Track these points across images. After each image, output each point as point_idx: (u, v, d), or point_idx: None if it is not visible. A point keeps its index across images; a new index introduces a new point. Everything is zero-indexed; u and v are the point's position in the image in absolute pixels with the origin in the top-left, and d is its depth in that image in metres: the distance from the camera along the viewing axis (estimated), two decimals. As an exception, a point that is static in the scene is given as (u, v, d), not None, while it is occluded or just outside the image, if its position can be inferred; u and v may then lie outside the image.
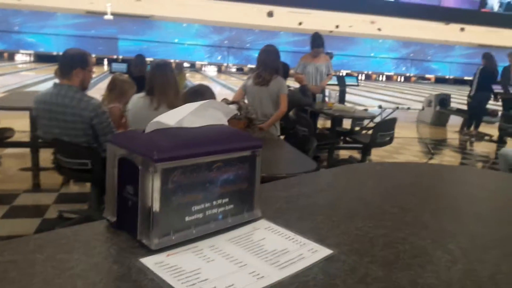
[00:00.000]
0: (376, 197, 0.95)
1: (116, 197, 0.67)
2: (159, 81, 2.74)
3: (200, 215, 0.66)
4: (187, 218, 0.64)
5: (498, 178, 1.35)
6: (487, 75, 7.67)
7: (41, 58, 19.81)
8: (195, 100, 2.24)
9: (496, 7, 9.73)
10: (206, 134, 0.69)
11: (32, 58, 20.31)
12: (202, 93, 2.41)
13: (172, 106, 2.78)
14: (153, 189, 0.60)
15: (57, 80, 2.81)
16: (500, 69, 8.03)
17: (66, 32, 20.05)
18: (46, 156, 4.00)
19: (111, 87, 3.38)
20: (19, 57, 20.27)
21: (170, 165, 0.61)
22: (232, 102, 3.11)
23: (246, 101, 3.91)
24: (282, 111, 3.78)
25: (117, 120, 3.19)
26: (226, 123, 0.76)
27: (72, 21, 19.98)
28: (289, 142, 4.76)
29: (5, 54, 20.14)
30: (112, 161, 0.67)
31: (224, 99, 3.24)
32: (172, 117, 0.69)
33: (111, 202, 0.68)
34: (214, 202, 0.67)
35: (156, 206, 0.61)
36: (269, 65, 3.73)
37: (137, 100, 2.89)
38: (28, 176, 4.02)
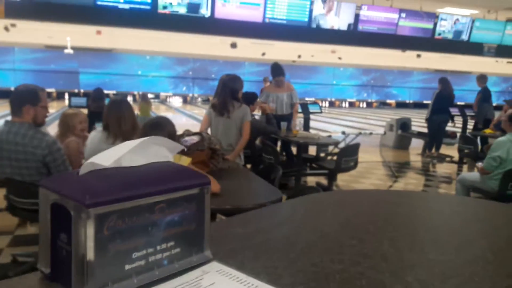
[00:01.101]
0: (334, 228, 0.92)
1: (50, 246, 0.61)
2: (114, 116, 2.72)
3: (142, 262, 0.60)
4: (127, 267, 0.59)
5: (454, 202, 1.36)
6: (443, 99, 8.01)
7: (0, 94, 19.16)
8: (155, 133, 2.19)
9: (448, 35, 10.28)
10: (147, 173, 0.65)
11: (-12, 95, 19.60)
12: (162, 125, 2.36)
13: (128, 139, 2.73)
14: (87, 237, 0.55)
15: (9, 118, 2.70)
16: (456, 93, 8.41)
17: (25, 67, 19.56)
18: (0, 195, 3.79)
19: (64, 124, 3.29)
20: (-26, 94, 19.52)
21: (105, 210, 0.56)
22: (195, 133, 3.08)
23: (209, 130, 3.88)
24: (245, 139, 3.77)
25: (75, 155, 3.08)
26: (172, 160, 0.71)
27: (30, 56, 19.54)
28: (255, 171, 4.76)
29: (-40, 91, 19.35)
30: (44, 207, 0.61)
31: (187, 130, 3.19)
32: (108, 157, 0.64)
33: (45, 252, 0.62)
34: (158, 247, 0.62)
35: (90, 255, 0.55)
36: (231, 95, 3.73)
37: (94, 135, 2.84)
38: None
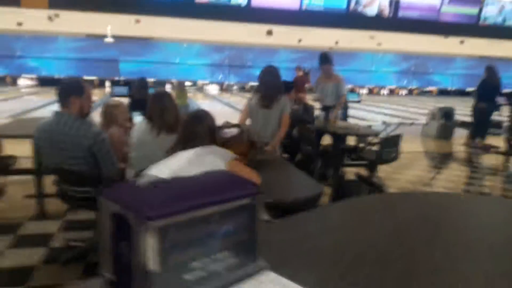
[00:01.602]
0: (383, 237, 0.91)
1: (112, 254, 0.63)
2: (157, 109, 2.78)
3: (200, 272, 0.62)
4: (186, 277, 0.60)
5: (508, 206, 1.30)
6: (488, 87, 7.65)
7: (44, 82, 19.98)
8: (195, 125, 2.21)
9: (494, 21, 9.77)
10: (202, 184, 0.66)
11: (35, 82, 20.49)
12: (202, 118, 2.38)
13: (171, 131, 2.79)
14: (147, 247, 0.56)
15: (58, 109, 2.81)
16: (503, 80, 8.00)
17: (68, 56, 20.26)
18: (50, 182, 3.97)
19: (107, 115, 3.38)
20: (22, 82, 20.44)
21: (164, 222, 0.57)
22: (234, 125, 3.09)
23: (247, 121, 3.89)
24: (283, 131, 3.76)
25: (116, 145, 3.18)
26: (224, 168, 0.72)
27: (73, 45, 20.19)
28: (293, 161, 4.74)
29: (8, 79, 20.32)
30: (105, 216, 0.63)
31: (226, 122, 3.21)
32: (166, 169, 0.65)
33: (107, 259, 0.64)
34: (214, 257, 0.63)
35: (151, 266, 0.57)
36: (271, 87, 3.72)
37: (139, 126, 2.91)
38: (33, 204, 3.98)
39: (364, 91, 23.95)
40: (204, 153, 0.69)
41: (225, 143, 2.83)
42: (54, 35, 19.31)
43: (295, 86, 8.78)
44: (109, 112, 3.37)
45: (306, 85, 10.04)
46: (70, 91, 2.72)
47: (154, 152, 2.68)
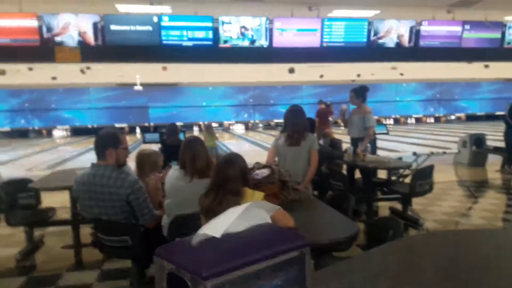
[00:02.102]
0: (435, 284, 0.88)
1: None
2: (189, 155, 2.84)
3: (253, 328, 0.63)
4: (240, 332, 0.61)
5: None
6: None
7: (77, 132, 20.78)
8: (228, 169, 2.25)
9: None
10: (252, 240, 0.68)
11: (68, 133, 21.32)
12: (234, 162, 2.43)
13: (204, 176, 2.85)
14: (204, 306, 0.58)
15: (94, 160, 2.91)
16: None
17: (99, 105, 21.10)
18: (87, 231, 4.07)
19: (141, 164, 3.47)
20: (56, 133, 21.30)
21: (219, 280, 0.59)
22: (264, 166, 3.12)
23: (276, 159, 3.92)
24: (313, 168, 3.76)
25: (152, 193, 3.25)
26: (270, 221, 0.75)
27: (104, 94, 21.06)
28: (323, 198, 4.69)
29: (44, 131, 21.23)
30: (160, 275, 0.66)
31: (257, 163, 3.25)
32: (218, 228, 0.68)
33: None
34: (266, 312, 0.64)
35: (208, 324, 0.58)
36: (298, 125, 3.77)
37: (172, 173, 2.98)
38: (70, 254, 4.07)
39: (390, 121, 23.73)
40: (251, 207, 0.71)
41: (257, 185, 2.86)
42: (86, 87, 20.23)
43: (319, 119, 8.86)
44: (143, 160, 3.47)
45: (330, 118, 10.09)
46: (107, 143, 2.81)
47: (188, 197, 2.73)
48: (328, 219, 2.55)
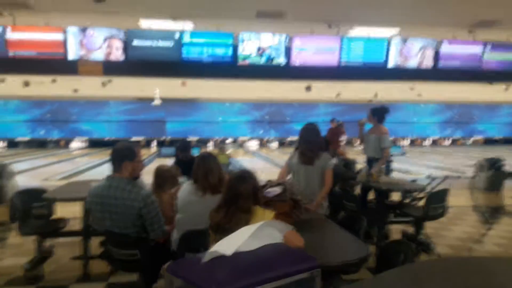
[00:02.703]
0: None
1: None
2: (202, 171, 2.88)
3: None
4: None
5: None
6: None
7: (94, 144, 21.10)
8: (240, 186, 2.26)
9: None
10: (262, 259, 0.69)
11: (85, 144, 21.66)
12: (246, 179, 2.44)
13: (216, 192, 2.87)
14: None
15: (109, 172, 2.96)
16: None
17: (118, 118, 21.44)
18: (96, 243, 4.11)
19: (161, 179, 3.51)
20: (74, 144, 21.66)
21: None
22: (278, 184, 3.12)
23: (288, 177, 3.91)
24: (327, 188, 3.74)
25: (165, 208, 3.29)
26: (282, 241, 0.76)
27: (123, 108, 21.40)
28: (336, 219, 4.65)
29: (62, 142, 21.62)
30: (166, 291, 0.68)
31: (269, 181, 3.25)
32: (229, 246, 0.70)
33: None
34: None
35: None
36: (313, 143, 3.77)
37: (184, 187, 3.01)
38: (79, 265, 4.10)
39: (406, 142, 23.48)
40: (264, 226, 0.73)
41: (268, 203, 2.87)
42: (106, 100, 20.61)
43: (330, 138, 8.80)
44: (164, 175, 3.52)
45: (342, 138, 10.00)
46: (123, 156, 2.86)
47: (199, 213, 2.75)
48: (339, 240, 2.53)
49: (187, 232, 2.74)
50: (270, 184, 3.15)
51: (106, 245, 2.94)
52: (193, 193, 2.88)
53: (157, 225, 2.85)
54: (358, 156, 7.83)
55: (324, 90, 18.28)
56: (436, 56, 9.08)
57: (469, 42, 9.23)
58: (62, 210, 4.51)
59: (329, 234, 2.69)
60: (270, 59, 8.17)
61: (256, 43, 8.10)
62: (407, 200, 5.61)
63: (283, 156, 15.56)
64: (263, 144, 22.94)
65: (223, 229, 2.26)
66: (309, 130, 3.86)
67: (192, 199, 2.87)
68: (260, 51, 8.09)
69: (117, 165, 2.86)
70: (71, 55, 7.74)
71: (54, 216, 4.39)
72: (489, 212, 6.54)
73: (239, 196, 2.32)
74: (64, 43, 7.69)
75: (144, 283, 3.06)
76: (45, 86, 16.75)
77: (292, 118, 22.94)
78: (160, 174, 3.54)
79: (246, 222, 2.23)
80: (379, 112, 5.60)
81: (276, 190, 2.99)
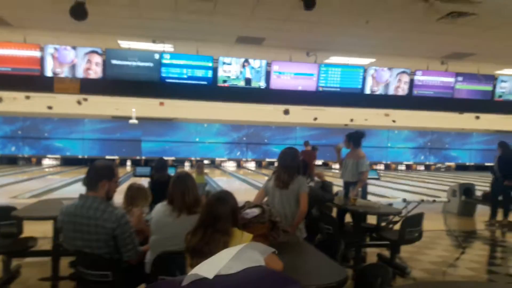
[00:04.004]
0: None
1: None
2: (178, 190, 2.82)
3: None
4: None
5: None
6: (505, 163, 7.64)
7: (67, 162, 20.63)
8: (219, 207, 2.23)
9: (509, 97, 9.93)
10: (244, 283, 0.67)
11: (58, 162, 21.14)
12: (225, 200, 2.41)
13: (191, 213, 2.81)
14: None
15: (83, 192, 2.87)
16: None
17: (92, 136, 21.08)
18: (66, 263, 3.95)
19: (135, 195, 3.50)
20: (46, 161, 21.12)
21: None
22: (255, 206, 3.10)
23: (264, 200, 3.90)
24: (303, 211, 3.74)
25: (138, 223, 3.26)
26: (263, 263, 0.74)
27: (98, 126, 21.08)
28: (313, 241, 4.64)
29: (33, 159, 21.04)
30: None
31: (247, 202, 3.23)
32: (210, 268, 0.67)
33: None
34: None
35: None
36: (289, 168, 3.79)
37: (159, 208, 2.94)
38: (47, 286, 3.94)
39: (381, 167, 23.88)
40: (246, 248, 0.71)
41: (246, 224, 2.83)
42: (82, 118, 20.27)
43: (306, 160, 8.98)
44: (139, 192, 3.47)
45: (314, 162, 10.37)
46: (102, 175, 2.77)
47: (175, 234, 2.68)
48: (317, 264, 2.52)
49: (161, 253, 2.67)
50: (248, 205, 3.13)
51: (77, 266, 2.83)
52: (168, 214, 2.82)
53: (131, 246, 2.77)
54: (334, 179, 7.91)
55: (301, 114, 18.53)
56: (411, 84, 9.36)
57: (442, 73, 9.58)
58: (31, 229, 4.34)
59: (306, 257, 2.68)
60: (249, 82, 8.25)
61: (236, 66, 8.18)
62: (383, 224, 5.67)
63: (260, 177, 15.60)
64: (240, 165, 22.91)
65: (201, 252, 2.20)
66: (286, 155, 3.88)
67: (167, 220, 2.81)
68: (240, 72, 8.17)
69: (93, 183, 2.78)
70: (48, 72, 7.62)
71: (23, 235, 4.22)
72: (462, 236, 6.67)
73: (217, 218, 2.28)
74: (40, 60, 7.58)
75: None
76: (18, 102, 16.39)
77: (269, 140, 23.08)
78: (136, 191, 3.51)
79: (224, 245, 2.19)
80: (354, 137, 5.74)
81: (255, 211, 2.96)
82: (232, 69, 8.19)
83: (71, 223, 2.73)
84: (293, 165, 3.80)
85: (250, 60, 8.26)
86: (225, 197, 2.42)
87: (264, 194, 3.91)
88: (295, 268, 2.34)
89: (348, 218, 5.40)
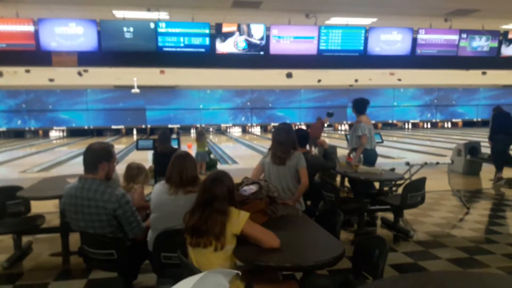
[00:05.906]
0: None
1: None
2: (176, 169, 2.83)
3: None
4: None
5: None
6: (500, 118, 7.64)
7: (73, 133, 20.79)
8: (215, 188, 2.25)
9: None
10: None
11: (65, 134, 21.30)
12: (221, 180, 2.42)
13: (188, 192, 2.83)
14: None
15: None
16: None
17: (96, 107, 21.10)
18: (75, 238, 4.05)
19: (126, 176, 3.62)
20: (53, 134, 21.29)
21: None
22: (253, 182, 3.11)
23: (262, 176, 3.91)
24: (304, 185, 3.76)
25: (139, 201, 3.39)
26: (228, 287, 0.75)
27: (101, 96, 21.05)
28: (315, 209, 4.69)
29: (40, 132, 21.22)
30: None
31: (246, 177, 3.24)
32: None
33: None
34: None
35: None
36: (284, 144, 3.77)
37: (158, 187, 2.97)
38: (58, 262, 4.05)
39: (387, 126, 23.80)
40: (208, 276, 0.71)
41: (244, 201, 2.85)
42: (83, 88, 20.22)
43: (312, 131, 9.04)
44: (131, 174, 3.51)
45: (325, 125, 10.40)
46: (101, 157, 2.79)
47: (172, 211, 2.72)
48: (315, 239, 2.54)
49: (162, 231, 2.72)
50: (246, 181, 3.14)
51: (82, 245, 2.90)
52: (165, 192, 2.84)
53: (135, 224, 2.83)
54: (340, 141, 7.89)
55: (305, 77, 18.31)
56: (414, 43, 9.15)
57: (445, 31, 9.32)
58: (39, 204, 4.43)
59: (304, 232, 2.70)
60: (249, 47, 8.09)
61: (234, 32, 8.01)
62: (386, 188, 5.70)
63: (266, 142, 15.63)
64: (246, 130, 22.94)
65: (199, 231, 2.25)
66: (280, 130, 3.86)
67: (165, 198, 2.83)
68: (239, 40, 8.02)
69: (92, 166, 2.79)
70: (44, 46, 7.52)
71: (31, 212, 4.32)
72: (468, 196, 6.71)
73: (214, 198, 2.30)
74: (35, 35, 7.46)
75: (121, 282, 3.05)
76: (19, 76, 16.34)
77: (274, 105, 22.96)
78: (131, 173, 3.60)
79: (222, 224, 2.23)
80: (356, 104, 5.78)
81: (252, 188, 2.98)
82: (230, 35, 8.04)
83: (73, 205, 2.78)
84: (288, 141, 3.78)
85: (249, 25, 8.08)
86: (221, 177, 2.43)
87: (261, 170, 3.92)
88: (292, 244, 2.38)
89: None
